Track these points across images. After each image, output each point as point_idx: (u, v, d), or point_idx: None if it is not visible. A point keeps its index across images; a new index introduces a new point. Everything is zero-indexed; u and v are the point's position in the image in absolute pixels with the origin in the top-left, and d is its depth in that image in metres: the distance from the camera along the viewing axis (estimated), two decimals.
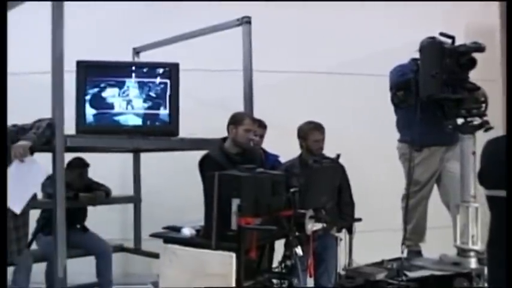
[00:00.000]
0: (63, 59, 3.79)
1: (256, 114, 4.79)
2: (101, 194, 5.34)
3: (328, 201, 3.85)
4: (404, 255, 4.12)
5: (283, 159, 4.95)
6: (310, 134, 4.64)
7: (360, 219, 4.45)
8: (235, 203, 3.28)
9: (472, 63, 4.02)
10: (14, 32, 5.22)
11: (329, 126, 4.75)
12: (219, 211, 3.32)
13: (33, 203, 3.83)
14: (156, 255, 3.55)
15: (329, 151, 4.49)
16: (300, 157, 4.70)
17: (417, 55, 4.19)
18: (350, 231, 4.24)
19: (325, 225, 3.60)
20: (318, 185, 3.79)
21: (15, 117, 3.69)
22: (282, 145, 5.02)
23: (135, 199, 5.87)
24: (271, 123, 5.12)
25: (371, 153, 6.04)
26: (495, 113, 4.30)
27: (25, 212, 3.64)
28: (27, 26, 5.28)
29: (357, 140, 6.00)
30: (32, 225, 4.62)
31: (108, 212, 5.72)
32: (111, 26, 6.04)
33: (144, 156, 5.84)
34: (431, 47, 4.06)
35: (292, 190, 3.51)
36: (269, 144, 5.12)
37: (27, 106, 4.71)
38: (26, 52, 5.56)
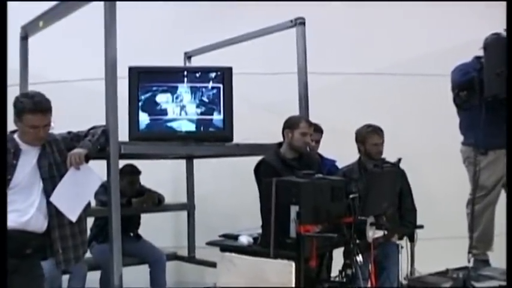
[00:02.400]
0: (116, 65, 3.86)
1: (312, 119, 4.75)
2: (153, 196, 5.41)
3: (389, 207, 3.81)
4: (471, 264, 4.05)
5: (339, 165, 4.94)
6: (369, 137, 4.61)
7: (422, 226, 4.40)
8: (293, 210, 3.29)
9: None
10: (64, 39, 5.44)
11: (387, 129, 4.71)
12: (277, 218, 3.34)
13: (88, 210, 3.86)
14: (210, 264, 3.56)
15: (388, 155, 4.44)
16: (358, 162, 4.68)
17: (480, 53, 4.09)
18: (412, 239, 4.19)
19: (386, 232, 3.61)
20: (378, 191, 3.76)
21: (67, 123, 3.75)
22: (338, 149, 4.99)
23: (189, 206, 5.90)
24: (327, 127, 5.10)
25: (432, 157, 5.90)
26: None
27: (81, 219, 3.66)
28: (78, 32, 5.38)
29: (417, 144, 5.89)
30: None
31: (161, 219, 5.78)
32: (161, 30, 6.10)
33: (197, 162, 5.88)
34: (497, 44, 3.97)
35: (351, 196, 3.51)
36: (325, 148, 5.09)
37: (78, 113, 4.82)
38: (77, 59, 5.69)
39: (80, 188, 3.62)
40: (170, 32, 6.08)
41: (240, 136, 4.63)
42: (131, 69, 4.46)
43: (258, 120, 5.74)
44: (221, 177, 6.00)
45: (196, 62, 5.80)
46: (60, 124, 3.63)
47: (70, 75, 5.86)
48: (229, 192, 5.96)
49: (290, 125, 4.38)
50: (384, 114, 5.29)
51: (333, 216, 3.43)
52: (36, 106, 3.39)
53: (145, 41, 5.92)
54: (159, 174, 5.70)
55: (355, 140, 4.70)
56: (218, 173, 5.97)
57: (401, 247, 4.12)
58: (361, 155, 4.69)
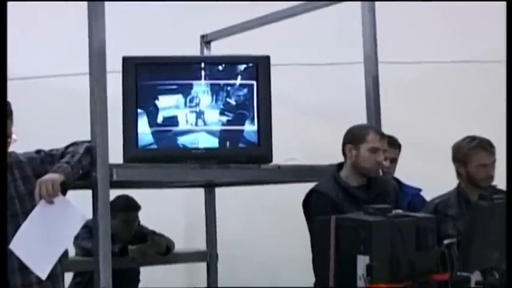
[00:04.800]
0: (105, 54, 3.87)
1: (385, 128, 4.69)
2: (159, 242, 5.42)
3: (503, 258, 3.66)
4: None
5: (427, 194, 4.88)
6: (473, 155, 4.49)
7: None
8: (362, 261, 3.28)
9: None
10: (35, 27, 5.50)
11: (496, 141, 4.56)
12: (338, 273, 3.35)
13: (65, 262, 3.87)
14: None
15: (499, 180, 4.39)
16: (457, 191, 4.57)
17: None
18: None
19: None
20: (487, 234, 3.66)
21: (36, 135, 3.74)
22: (424, 172, 5.02)
23: (209, 255, 5.83)
24: (405, 138, 5.08)
25: None
26: None
27: (55, 276, 3.66)
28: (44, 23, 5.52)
29: None
30: None
31: (170, 274, 5.86)
32: (168, 8, 6.16)
33: (221, 192, 5.84)
34: None
35: (447, 242, 3.49)
36: (403, 170, 5.07)
37: (53, 121, 4.82)
38: (53, 49, 5.77)
39: (54, 231, 3.63)
40: (181, 10, 6.17)
41: (281, 155, 4.59)
42: (126, 60, 4.44)
43: (307, 131, 5.78)
44: (254, 213, 6.06)
45: (218, 49, 5.79)
46: (25, 137, 3.62)
47: (42, 69, 5.87)
48: (265, 234, 6.00)
49: (354, 138, 4.33)
50: (485, 117, 5.18)
51: (419, 271, 3.39)
52: None
53: (148, 24, 6.01)
54: (167, 210, 5.76)
55: (453, 159, 4.58)
56: (250, 207, 6.02)
57: None
58: (461, 180, 4.58)
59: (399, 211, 3.58)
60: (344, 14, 4.99)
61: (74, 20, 3.98)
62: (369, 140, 4.29)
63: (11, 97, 3.52)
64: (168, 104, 4.49)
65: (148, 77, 4.50)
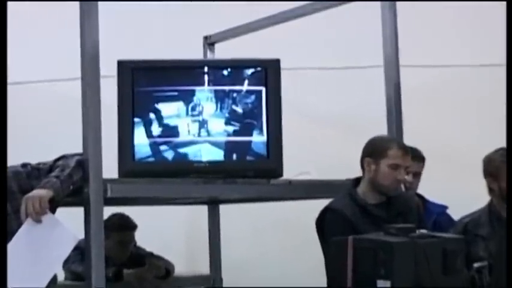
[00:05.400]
0: (99, 57, 3.87)
1: (407, 140, 4.66)
2: (158, 265, 5.39)
3: None
4: None
5: (454, 213, 4.85)
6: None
7: None
8: (382, 286, 3.28)
9: None
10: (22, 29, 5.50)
11: None
12: None
13: None
14: None
15: None
16: (489, 208, 4.53)
17: None
18: None
19: None
20: None
21: (22, 145, 3.72)
22: (450, 187, 4.99)
23: (213, 279, 5.85)
24: (428, 149, 5.04)
25: None
26: None
27: None
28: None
29: None
30: None
31: None
32: (167, 7, 6.14)
33: (226, 210, 5.85)
34: None
35: (477, 265, 3.53)
36: (427, 185, 5.04)
37: (40, 130, 4.81)
38: (41, 53, 5.79)
39: (41, 253, 3.62)
40: (183, 10, 6.15)
41: (293, 169, 4.59)
42: (122, 64, 4.45)
43: (321, 142, 5.74)
44: (263, 233, 6.03)
45: (222, 51, 5.79)
46: (8, 149, 3.61)
47: (27, 74, 5.89)
48: (275, 256, 5.97)
49: (374, 151, 4.29)
50: None
51: None
52: None
53: (146, 26, 6.01)
54: (166, 230, 5.75)
55: (484, 173, 4.54)
56: (259, 226, 6.00)
57: None
58: (493, 197, 4.53)
59: (423, 231, 3.57)
60: (360, 14, 4.96)
61: (64, 21, 3.95)
62: (390, 155, 4.24)
63: None
64: (167, 112, 4.49)
65: (146, 83, 4.50)
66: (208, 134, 4.49)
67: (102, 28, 3.91)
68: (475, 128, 5.60)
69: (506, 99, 4.10)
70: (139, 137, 4.43)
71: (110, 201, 4.13)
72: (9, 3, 4.20)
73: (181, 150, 4.48)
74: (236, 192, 4.72)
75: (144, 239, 5.51)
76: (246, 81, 4.56)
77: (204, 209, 5.86)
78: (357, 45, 5.11)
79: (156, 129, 4.46)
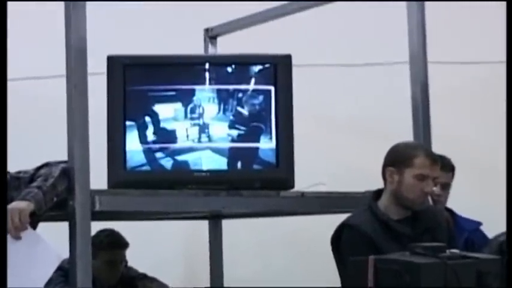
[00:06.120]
0: (86, 50, 3.88)
1: (436, 147, 4.65)
2: (151, 287, 5.42)
3: None
4: None
5: (489, 230, 4.85)
6: None
7: None
8: None
9: None
10: None
11: None
12: None
13: None
14: None
15: None
16: None
17: None
18: None
19: None
20: None
21: None
22: (483, 200, 4.99)
23: None
24: (459, 158, 5.04)
25: None
26: None
27: None
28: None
29: None
30: None
31: None
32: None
33: (229, 225, 5.85)
34: None
35: None
36: (458, 198, 5.06)
37: (19, 135, 4.82)
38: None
39: (21, 273, 3.62)
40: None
41: (305, 179, 4.59)
42: (112, 60, 4.46)
43: (337, 150, 5.76)
44: (272, 251, 6.04)
45: (225, 46, 5.80)
46: None
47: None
48: (285, 277, 5.95)
49: (397, 160, 4.28)
50: None
51: None
52: None
53: (140, 15, 6.04)
54: (162, 248, 5.78)
55: None
56: (267, 244, 6.02)
57: None
58: None
59: (454, 251, 3.55)
60: (381, 3, 4.93)
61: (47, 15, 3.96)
62: (416, 164, 4.21)
63: None
64: (164, 114, 4.50)
65: (139, 81, 4.51)
66: (210, 140, 4.49)
67: (89, 20, 3.88)
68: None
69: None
70: (132, 143, 4.43)
71: (98, 216, 4.12)
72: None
73: (180, 157, 4.48)
74: (241, 205, 4.70)
75: (137, 256, 5.50)
76: (253, 80, 4.56)
77: (204, 225, 5.85)
78: (378, 39, 5.10)
79: (150, 134, 4.47)
